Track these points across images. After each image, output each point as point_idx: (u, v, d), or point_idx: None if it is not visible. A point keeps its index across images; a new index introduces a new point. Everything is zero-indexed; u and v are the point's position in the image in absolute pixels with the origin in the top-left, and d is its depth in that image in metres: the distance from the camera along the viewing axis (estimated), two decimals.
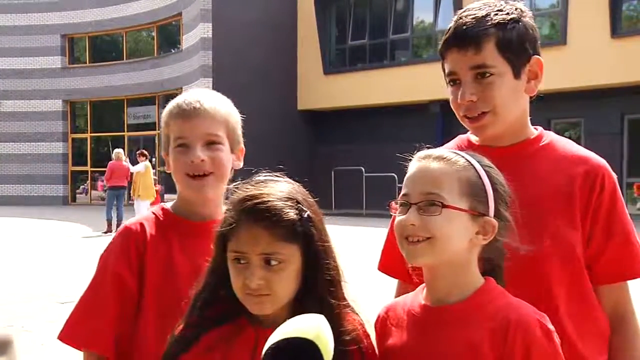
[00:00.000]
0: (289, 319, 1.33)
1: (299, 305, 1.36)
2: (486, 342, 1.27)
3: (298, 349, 1.10)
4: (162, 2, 24.71)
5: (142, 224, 1.74)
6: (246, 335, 1.38)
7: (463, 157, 1.38)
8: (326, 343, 1.13)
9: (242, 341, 1.37)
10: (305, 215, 1.36)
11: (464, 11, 1.62)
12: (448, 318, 1.33)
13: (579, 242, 1.56)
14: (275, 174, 1.44)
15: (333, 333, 1.31)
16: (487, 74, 1.56)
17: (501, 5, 1.61)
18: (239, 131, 1.83)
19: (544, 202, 1.51)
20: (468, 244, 1.34)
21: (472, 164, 1.36)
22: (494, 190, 1.35)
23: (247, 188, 1.40)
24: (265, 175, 1.43)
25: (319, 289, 1.36)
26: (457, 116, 1.65)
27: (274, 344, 1.11)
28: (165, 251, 1.71)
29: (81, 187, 28.21)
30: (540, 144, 1.65)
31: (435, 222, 1.31)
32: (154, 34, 26.24)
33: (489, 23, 1.56)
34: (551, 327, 1.30)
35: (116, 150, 16.56)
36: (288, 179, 1.43)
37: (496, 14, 1.58)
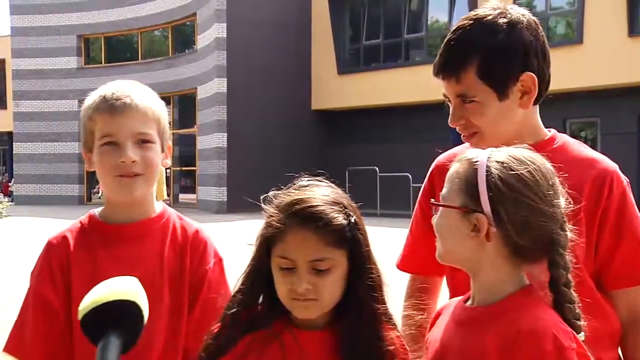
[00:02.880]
0: (329, 322, 1.36)
1: (341, 309, 1.36)
2: (495, 350, 1.24)
3: (120, 310, 1.07)
4: (176, 3, 24.81)
5: (64, 237, 1.65)
6: (282, 339, 1.36)
7: (483, 153, 1.34)
8: (143, 301, 1.11)
9: (277, 346, 1.35)
10: (353, 220, 1.35)
11: (454, 31, 1.61)
12: (473, 319, 1.33)
13: (583, 247, 1.53)
14: (317, 178, 1.42)
15: (373, 338, 1.34)
16: (469, 101, 1.59)
17: (492, 17, 1.57)
18: (168, 129, 1.71)
19: None
20: (471, 244, 1.31)
21: (478, 160, 1.33)
22: (491, 187, 1.28)
23: (290, 192, 1.38)
24: (308, 180, 1.41)
25: (362, 293, 1.36)
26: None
27: (95, 307, 1.06)
28: (90, 262, 1.60)
29: (97, 186, 28.40)
30: (553, 146, 1.63)
31: (434, 221, 1.37)
32: (168, 34, 26.35)
33: (471, 50, 1.56)
34: (569, 344, 1.22)
35: None
36: (330, 184, 1.41)
37: (482, 35, 1.56)
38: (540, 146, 1.62)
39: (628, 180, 1.64)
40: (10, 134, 30.54)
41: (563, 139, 1.68)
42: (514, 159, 1.32)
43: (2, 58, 32.76)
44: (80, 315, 1.06)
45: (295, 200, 1.34)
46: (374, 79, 21.99)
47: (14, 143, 28.38)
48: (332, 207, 1.33)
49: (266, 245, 1.36)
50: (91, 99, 1.65)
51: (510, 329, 1.24)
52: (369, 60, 23.20)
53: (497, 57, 1.56)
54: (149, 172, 1.61)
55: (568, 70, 17.04)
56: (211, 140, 22.18)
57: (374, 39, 22.87)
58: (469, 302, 1.38)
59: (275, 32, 22.41)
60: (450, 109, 1.64)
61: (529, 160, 1.32)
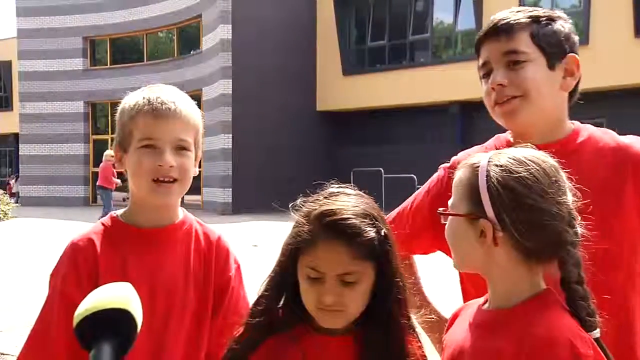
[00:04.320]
0: (350, 328, 1.36)
1: (367, 322, 1.36)
2: (509, 356, 1.22)
3: (112, 318, 1.07)
4: (182, 4, 24.85)
5: (90, 239, 1.62)
6: (303, 344, 1.37)
7: (484, 158, 1.33)
8: (137, 309, 1.11)
9: (299, 350, 1.36)
10: (383, 233, 1.34)
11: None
12: (489, 323, 1.31)
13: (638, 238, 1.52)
14: (345, 185, 1.42)
15: (397, 351, 1.35)
16: (520, 61, 1.56)
17: (539, 8, 1.64)
18: (201, 138, 1.73)
19: (592, 200, 1.42)
20: (481, 249, 1.30)
21: (479, 165, 1.32)
22: (491, 192, 1.27)
23: (321, 201, 1.36)
24: (338, 187, 1.41)
25: (390, 306, 1.36)
26: (490, 111, 1.63)
27: (87, 316, 1.07)
28: (119, 266, 1.59)
29: None
30: (580, 140, 1.61)
31: (445, 230, 1.36)
32: (174, 35, 26.40)
33: (525, 18, 1.58)
34: (586, 351, 1.20)
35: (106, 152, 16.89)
36: (359, 192, 1.41)
37: (531, 12, 1.60)
38: (568, 140, 1.61)
39: None
40: (16, 135, 30.64)
41: (589, 130, 1.66)
42: (514, 160, 1.31)
43: (8, 60, 32.88)
44: (74, 323, 1.07)
45: (326, 211, 1.32)
46: (378, 80, 21.98)
47: (19, 144, 28.47)
48: (364, 220, 1.32)
49: (294, 253, 1.35)
50: (132, 99, 1.65)
51: (525, 335, 1.22)
52: (373, 62, 23.19)
53: (549, 29, 1.59)
54: (184, 179, 1.63)
55: None
56: (216, 142, 22.20)
57: (379, 40, 22.87)
58: (486, 305, 1.37)
59: (280, 33, 22.42)
60: (493, 73, 1.60)
61: (530, 160, 1.31)
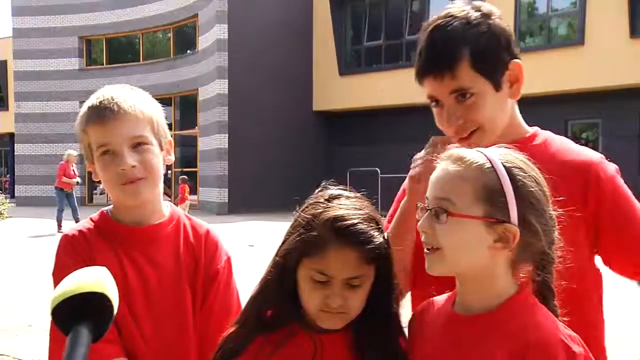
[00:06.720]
0: (347, 329, 1.37)
1: (365, 321, 1.37)
2: None
3: (89, 302, 1.07)
4: (178, 4, 24.82)
5: (81, 230, 1.63)
6: (299, 340, 1.37)
7: (486, 156, 1.26)
8: (113, 292, 1.11)
9: (292, 347, 1.36)
10: (385, 237, 1.36)
11: (431, 28, 1.59)
12: (470, 329, 1.27)
13: (582, 253, 1.49)
14: (341, 186, 1.42)
15: (394, 348, 1.37)
16: (468, 95, 1.53)
17: (466, 12, 1.56)
18: (165, 124, 1.70)
19: None
20: (488, 253, 1.24)
21: (493, 166, 1.24)
22: (518, 195, 1.23)
23: (323, 205, 1.36)
24: (338, 189, 1.41)
25: (391, 306, 1.39)
26: (448, 134, 1.62)
27: (62, 301, 1.07)
28: (116, 264, 1.58)
29: (97, 187, 28.45)
30: (533, 143, 1.59)
31: (441, 231, 1.24)
32: (170, 35, 26.36)
33: (460, 43, 1.52)
34: (578, 349, 1.19)
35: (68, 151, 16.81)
36: (356, 193, 1.41)
37: (465, 28, 1.54)
38: (521, 143, 1.54)
39: (614, 166, 1.60)
40: (12, 135, 30.57)
41: (544, 135, 1.63)
42: (522, 161, 1.28)
43: (3, 59, 32.80)
44: (51, 306, 1.07)
45: (336, 216, 1.32)
46: (375, 80, 21.99)
47: (15, 144, 28.40)
48: (370, 224, 1.33)
49: (297, 256, 1.35)
50: (82, 111, 1.66)
51: (518, 340, 1.20)
52: (370, 62, 23.19)
53: (486, 46, 1.53)
54: (150, 174, 1.62)
55: (569, 72, 17.05)
56: (212, 142, 22.19)
57: (375, 40, 22.87)
58: (458, 308, 1.33)
59: (276, 33, 22.41)
60: (444, 111, 1.58)
61: (531, 162, 1.29)
